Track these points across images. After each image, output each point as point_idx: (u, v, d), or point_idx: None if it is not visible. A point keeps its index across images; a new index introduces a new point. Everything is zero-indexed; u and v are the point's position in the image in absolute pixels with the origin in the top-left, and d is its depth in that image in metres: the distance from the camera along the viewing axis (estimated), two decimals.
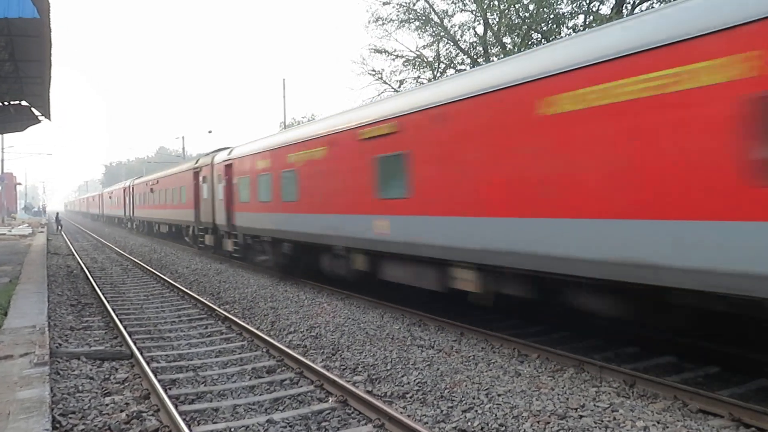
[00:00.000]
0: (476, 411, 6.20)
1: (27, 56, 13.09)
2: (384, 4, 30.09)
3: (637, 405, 6.32)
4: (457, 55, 30.26)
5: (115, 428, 5.95)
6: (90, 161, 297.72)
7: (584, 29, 23.60)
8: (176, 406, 6.35)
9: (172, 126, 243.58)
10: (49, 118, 20.17)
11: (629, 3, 23.97)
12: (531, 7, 25.92)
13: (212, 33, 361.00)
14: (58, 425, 5.98)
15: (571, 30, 25.57)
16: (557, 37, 24.48)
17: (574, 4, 25.91)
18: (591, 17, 24.93)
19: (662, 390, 6.68)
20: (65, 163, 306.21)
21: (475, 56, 28.79)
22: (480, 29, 29.02)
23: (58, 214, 53.31)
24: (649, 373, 7.21)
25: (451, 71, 29.51)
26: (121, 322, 10.85)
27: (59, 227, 46.97)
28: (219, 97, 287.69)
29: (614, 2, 24.33)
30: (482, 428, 5.78)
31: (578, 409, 6.16)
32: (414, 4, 30.04)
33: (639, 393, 6.75)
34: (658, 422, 5.79)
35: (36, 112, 19.34)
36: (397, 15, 30.36)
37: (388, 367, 7.86)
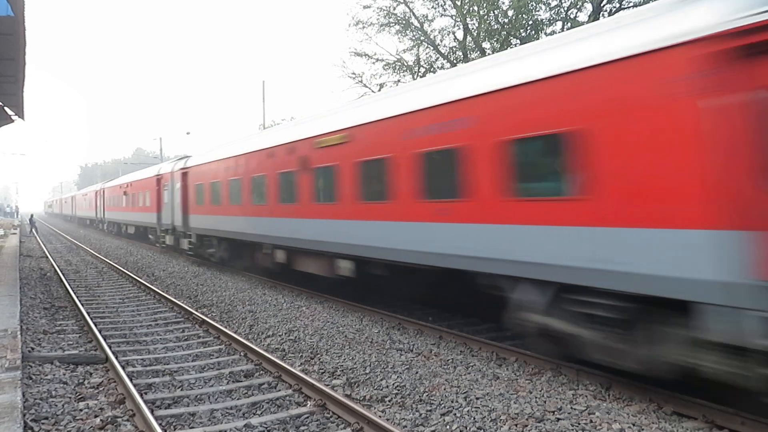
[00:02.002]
0: (455, 414, 6.23)
1: (0, 55, 12.83)
2: (364, 7, 30.15)
3: (613, 408, 6.40)
4: (437, 60, 30.41)
5: None
6: (66, 162, 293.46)
7: None
8: (152, 411, 6.27)
9: (151, 127, 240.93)
10: (23, 118, 19.77)
11: (606, 10, 24.34)
12: (510, 13, 26.21)
13: (193, 33, 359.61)
14: (30, 431, 5.87)
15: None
16: None
17: (553, 11, 26.27)
18: (569, 24, 25.27)
19: (637, 393, 6.77)
20: (40, 163, 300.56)
21: (455, 61, 28.96)
22: (460, 34, 29.25)
23: (32, 215, 52.21)
24: (625, 377, 7.30)
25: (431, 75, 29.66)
26: (95, 325, 10.69)
27: (33, 229, 46.08)
28: (199, 98, 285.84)
29: (591, 9, 24.71)
30: (461, 431, 5.81)
31: (555, 412, 6.22)
32: (394, 8, 30.15)
33: (615, 396, 6.84)
34: (634, 424, 5.88)
35: (9, 112, 18.93)
36: (378, 19, 30.46)
37: (367, 371, 7.86)
